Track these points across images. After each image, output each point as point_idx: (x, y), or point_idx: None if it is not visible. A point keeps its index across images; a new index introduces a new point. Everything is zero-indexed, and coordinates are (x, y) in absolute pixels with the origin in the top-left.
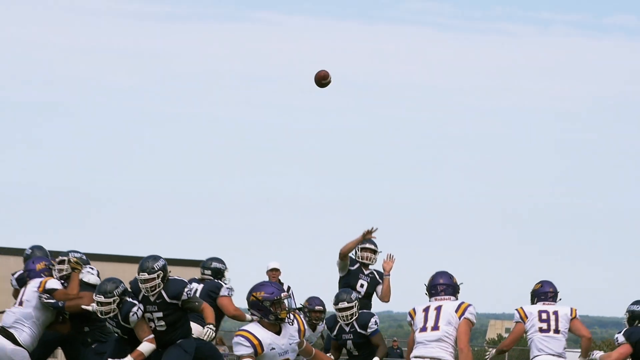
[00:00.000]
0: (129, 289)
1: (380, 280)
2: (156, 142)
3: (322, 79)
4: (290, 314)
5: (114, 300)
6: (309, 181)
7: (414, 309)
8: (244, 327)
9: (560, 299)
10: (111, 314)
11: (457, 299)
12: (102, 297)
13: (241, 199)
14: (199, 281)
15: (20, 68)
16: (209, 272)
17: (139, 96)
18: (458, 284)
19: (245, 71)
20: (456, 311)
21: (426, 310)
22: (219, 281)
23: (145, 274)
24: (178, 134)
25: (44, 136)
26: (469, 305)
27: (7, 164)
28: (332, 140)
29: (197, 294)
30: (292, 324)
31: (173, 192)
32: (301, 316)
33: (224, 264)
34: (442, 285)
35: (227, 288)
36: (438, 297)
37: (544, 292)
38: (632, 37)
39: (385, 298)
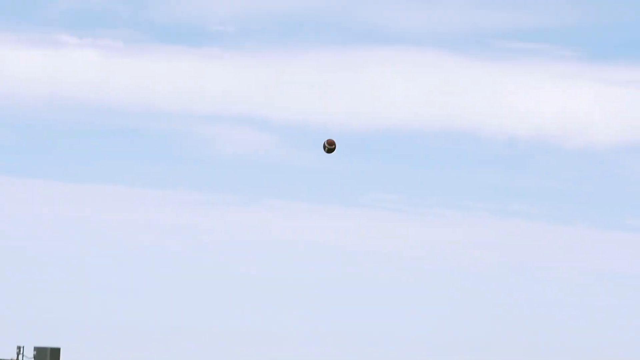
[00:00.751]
0: None
1: None
2: (194, 288)
3: (330, 145)
4: None
5: None
6: (299, 319)
7: None
8: None
9: None
10: None
11: None
12: None
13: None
14: None
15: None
16: None
17: (183, 259)
18: None
19: (256, 239)
20: None
21: None
22: None
23: None
24: (209, 283)
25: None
26: None
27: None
28: (322, 288)
29: None
30: None
31: (209, 329)
32: None
33: None
34: None
35: None
36: None
37: None
38: (529, 219)
39: None
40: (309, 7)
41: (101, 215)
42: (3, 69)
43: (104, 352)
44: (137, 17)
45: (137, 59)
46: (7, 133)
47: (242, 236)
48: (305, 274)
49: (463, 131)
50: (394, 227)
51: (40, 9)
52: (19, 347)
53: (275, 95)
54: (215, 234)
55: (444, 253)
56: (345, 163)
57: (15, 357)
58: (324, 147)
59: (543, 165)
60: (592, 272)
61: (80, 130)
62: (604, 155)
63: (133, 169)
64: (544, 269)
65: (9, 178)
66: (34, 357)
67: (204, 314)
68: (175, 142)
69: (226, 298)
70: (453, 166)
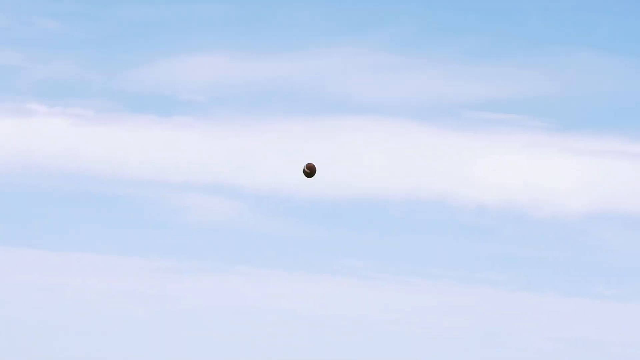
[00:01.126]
0: None
1: None
2: (165, 355)
3: (310, 170)
4: None
5: None
6: None
7: None
8: None
9: None
10: None
11: None
12: None
13: None
14: None
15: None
16: None
17: (154, 326)
18: None
19: (227, 306)
20: None
21: None
22: None
23: None
24: (179, 350)
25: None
26: None
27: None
28: (292, 355)
29: None
30: None
31: None
32: None
33: None
34: None
35: None
36: None
37: None
38: (497, 286)
39: None
40: (280, 76)
41: (71, 282)
42: None
43: None
44: (107, 87)
45: (108, 127)
46: None
47: (213, 303)
48: (276, 341)
49: (432, 200)
50: (364, 294)
51: (11, 79)
52: None
53: (246, 163)
54: (186, 300)
55: (413, 320)
56: (315, 230)
57: None
58: (304, 171)
59: (511, 234)
60: (561, 339)
61: (51, 197)
62: (573, 224)
63: (104, 236)
64: (512, 337)
65: None
66: None
67: None
68: (147, 209)
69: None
70: (422, 234)
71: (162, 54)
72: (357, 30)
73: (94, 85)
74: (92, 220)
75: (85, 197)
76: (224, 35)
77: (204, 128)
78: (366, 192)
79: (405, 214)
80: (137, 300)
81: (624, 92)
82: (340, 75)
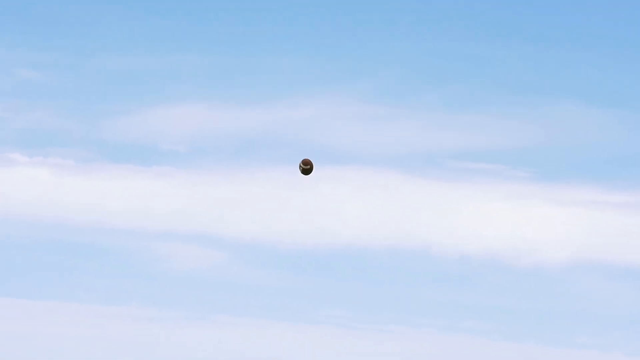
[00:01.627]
0: None
1: None
2: None
3: (305, 165)
4: None
5: None
6: None
7: None
8: None
9: None
10: None
11: None
12: None
13: None
14: None
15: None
16: None
17: None
18: None
19: (209, 354)
20: None
21: None
22: None
23: None
24: None
25: None
26: None
27: None
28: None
29: None
30: None
31: None
32: None
33: None
34: None
35: None
36: None
37: None
38: (480, 335)
39: None
40: (261, 126)
41: (52, 331)
42: None
43: None
44: (88, 136)
45: (89, 177)
46: None
47: (195, 352)
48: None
49: (415, 249)
50: (348, 344)
51: None
52: None
53: (228, 213)
54: (168, 349)
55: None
56: (298, 280)
57: None
58: (300, 167)
59: (495, 284)
60: None
61: (31, 247)
62: (556, 274)
63: (85, 285)
64: None
65: None
66: None
67: None
68: (128, 258)
69: None
70: (405, 283)
71: (143, 104)
72: (339, 80)
73: (75, 135)
74: (73, 270)
75: (66, 246)
76: (204, 85)
77: (184, 178)
78: (349, 241)
79: (388, 263)
80: (119, 350)
81: (607, 143)
82: (322, 124)
